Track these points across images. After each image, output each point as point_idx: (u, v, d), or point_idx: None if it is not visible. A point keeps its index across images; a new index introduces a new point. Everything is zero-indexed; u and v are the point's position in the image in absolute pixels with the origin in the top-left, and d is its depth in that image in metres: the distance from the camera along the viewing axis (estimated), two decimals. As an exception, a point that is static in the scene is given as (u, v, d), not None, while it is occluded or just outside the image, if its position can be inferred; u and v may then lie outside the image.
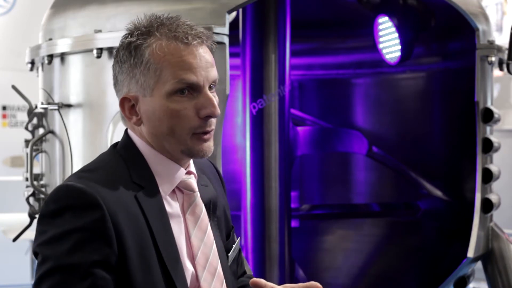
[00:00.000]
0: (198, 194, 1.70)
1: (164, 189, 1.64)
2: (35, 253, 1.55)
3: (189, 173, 1.69)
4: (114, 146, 1.71)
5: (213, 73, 1.63)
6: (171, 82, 1.57)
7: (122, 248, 1.52)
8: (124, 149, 1.67)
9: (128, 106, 1.64)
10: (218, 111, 1.61)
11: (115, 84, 1.67)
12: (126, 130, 1.71)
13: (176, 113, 1.58)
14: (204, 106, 1.59)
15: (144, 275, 1.54)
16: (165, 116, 1.59)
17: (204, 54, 1.61)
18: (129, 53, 1.61)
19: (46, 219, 1.54)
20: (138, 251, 1.55)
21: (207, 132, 1.62)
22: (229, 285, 1.73)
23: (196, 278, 1.65)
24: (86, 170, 1.64)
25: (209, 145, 1.63)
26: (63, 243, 1.49)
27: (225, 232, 1.82)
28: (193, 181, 1.69)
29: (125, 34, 1.64)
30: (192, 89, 1.59)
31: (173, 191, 1.66)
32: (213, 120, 1.63)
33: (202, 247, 1.67)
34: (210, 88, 1.62)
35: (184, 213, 1.67)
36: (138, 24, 1.64)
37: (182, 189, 1.68)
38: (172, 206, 1.66)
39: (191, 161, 1.71)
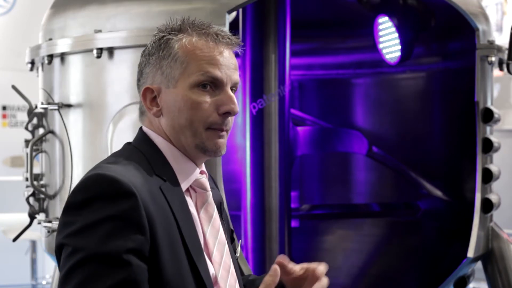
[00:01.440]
0: (210, 193, 1.73)
1: (182, 186, 1.67)
2: (60, 246, 1.51)
3: (201, 172, 1.72)
4: (128, 143, 1.73)
5: (236, 76, 1.67)
6: (196, 74, 1.61)
7: (153, 237, 1.52)
8: (142, 144, 1.68)
9: (150, 97, 1.67)
10: (237, 109, 1.65)
11: (139, 78, 1.70)
12: (140, 129, 1.72)
13: (196, 105, 1.62)
14: (225, 102, 1.63)
15: (173, 266, 1.55)
16: (185, 106, 1.62)
17: (230, 56, 1.66)
18: (158, 46, 1.65)
19: (74, 210, 1.52)
20: (167, 242, 1.55)
21: (222, 130, 1.65)
22: (240, 284, 1.75)
23: (214, 274, 1.66)
24: (109, 162, 1.62)
25: (223, 142, 1.67)
26: (96, 232, 1.46)
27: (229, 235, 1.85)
28: (206, 180, 1.72)
29: (156, 32, 1.69)
30: (215, 85, 1.63)
31: (187, 189, 1.68)
32: (230, 120, 1.66)
33: (217, 245, 1.69)
34: (231, 90, 1.67)
35: (198, 212, 1.69)
36: (170, 23, 1.69)
37: (195, 188, 1.70)
38: (189, 203, 1.68)
39: (203, 163, 1.74)
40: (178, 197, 1.63)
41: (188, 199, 1.68)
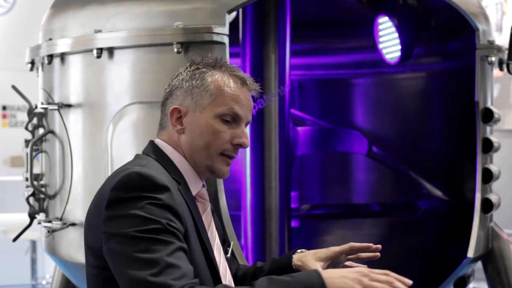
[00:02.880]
0: (209, 204, 1.99)
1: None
2: (108, 238, 1.69)
3: (203, 186, 1.98)
4: (139, 155, 1.96)
5: (250, 117, 1.96)
6: (222, 108, 1.89)
7: (185, 226, 1.74)
8: (155, 154, 1.92)
9: (176, 116, 1.92)
10: (248, 144, 1.94)
11: (167, 97, 1.95)
12: (152, 142, 1.96)
13: (217, 133, 1.88)
14: (240, 136, 1.91)
15: (196, 252, 1.78)
16: (207, 131, 1.88)
17: (250, 99, 1.95)
18: (193, 75, 1.92)
19: (117, 204, 1.70)
20: (191, 232, 1.78)
21: (232, 157, 1.92)
22: (231, 281, 1.99)
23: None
24: (136, 165, 1.82)
25: (228, 169, 1.94)
26: (141, 215, 1.66)
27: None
28: (206, 191, 1.98)
29: (191, 63, 1.97)
30: (233, 120, 1.90)
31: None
32: (239, 151, 1.93)
33: (216, 247, 1.94)
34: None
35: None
36: (205, 58, 1.97)
37: (197, 198, 1.94)
38: None
39: None
40: (191, 198, 1.88)
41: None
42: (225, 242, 2.10)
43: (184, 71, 1.95)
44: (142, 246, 1.63)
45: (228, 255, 2.06)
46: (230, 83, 1.91)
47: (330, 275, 1.66)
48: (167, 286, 1.58)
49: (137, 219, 1.66)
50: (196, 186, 1.92)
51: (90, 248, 1.81)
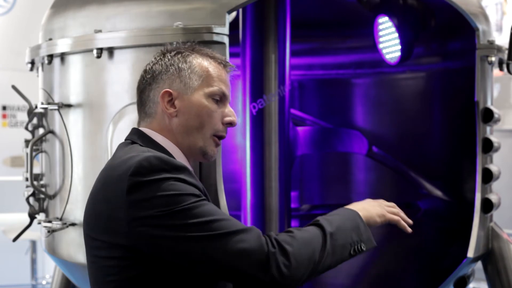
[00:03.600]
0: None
1: None
2: (130, 221, 1.71)
3: None
4: (125, 143, 1.96)
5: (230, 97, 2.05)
6: (213, 88, 1.96)
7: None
8: (143, 142, 1.93)
9: (167, 100, 1.94)
10: (237, 122, 2.00)
11: (152, 82, 1.97)
12: (136, 129, 1.98)
13: (210, 113, 1.95)
14: (229, 114, 1.99)
15: None
16: (201, 111, 1.94)
17: (229, 79, 2.04)
18: (177, 58, 1.97)
19: (140, 187, 1.72)
20: None
21: (222, 137, 1.99)
22: None
23: None
24: (144, 152, 1.84)
25: (218, 149, 2.01)
26: (168, 194, 1.72)
27: None
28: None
29: (166, 49, 2.02)
30: (221, 100, 1.98)
31: None
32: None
33: None
34: None
35: None
36: (178, 44, 2.08)
37: None
38: None
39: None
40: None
41: None
42: None
43: (164, 56, 2.00)
44: (198, 218, 1.71)
45: None
46: (213, 65, 1.99)
47: (358, 207, 2.20)
48: (259, 246, 1.70)
49: (173, 197, 1.71)
50: None
51: (103, 241, 1.80)
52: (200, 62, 1.97)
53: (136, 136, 1.95)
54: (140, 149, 1.87)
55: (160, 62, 1.99)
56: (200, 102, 1.93)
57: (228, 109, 2.00)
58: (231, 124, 1.99)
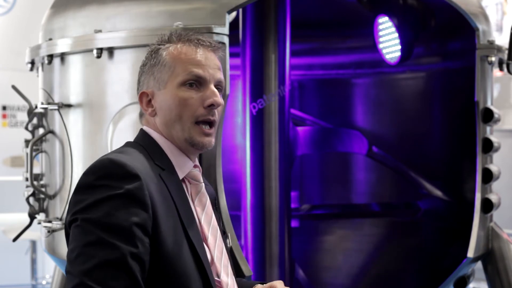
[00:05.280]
0: (203, 185, 1.94)
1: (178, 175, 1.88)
2: (70, 222, 1.69)
3: (195, 166, 1.93)
4: (129, 142, 1.93)
5: (219, 75, 1.89)
6: (182, 75, 1.85)
7: (155, 215, 1.71)
8: (142, 140, 1.91)
9: (146, 100, 1.90)
10: (220, 101, 1.86)
11: (138, 88, 1.94)
12: (141, 129, 1.94)
13: (184, 101, 1.84)
14: (209, 96, 1.85)
15: (173, 242, 1.74)
16: (173, 103, 1.85)
17: (212, 57, 1.90)
18: (149, 56, 1.92)
19: (84, 189, 1.70)
20: (168, 222, 1.75)
21: (209, 122, 1.86)
22: (231, 265, 1.97)
23: (210, 256, 1.86)
24: (115, 152, 1.83)
25: (210, 140, 1.88)
26: (104, 206, 1.65)
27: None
28: (199, 173, 1.93)
29: (150, 47, 1.95)
30: (199, 83, 1.85)
31: (183, 180, 1.89)
32: (216, 112, 1.87)
33: (211, 230, 1.90)
34: (217, 90, 1.88)
35: (193, 201, 1.90)
36: (162, 36, 1.95)
37: (189, 180, 1.91)
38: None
39: (196, 158, 1.95)
40: (176, 183, 1.84)
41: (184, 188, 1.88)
42: (224, 232, 2.06)
43: (146, 55, 1.95)
44: (93, 240, 1.62)
45: (229, 244, 2.03)
46: (184, 49, 1.87)
47: None
48: None
49: (98, 212, 1.64)
50: (184, 169, 1.89)
51: None
52: (170, 52, 1.87)
53: (138, 134, 1.95)
54: (120, 149, 1.86)
55: (141, 65, 1.96)
56: (171, 94, 1.85)
57: (210, 90, 1.85)
58: (213, 105, 1.85)
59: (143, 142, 1.89)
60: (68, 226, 1.71)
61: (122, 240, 1.63)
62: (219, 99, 1.86)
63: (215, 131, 1.90)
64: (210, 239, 1.88)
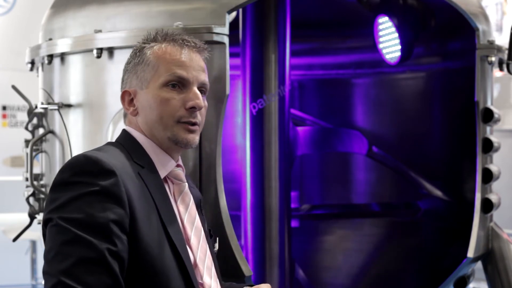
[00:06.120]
0: (186, 184, 1.92)
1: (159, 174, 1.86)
2: (46, 220, 1.66)
3: (178, 166, 1.91)
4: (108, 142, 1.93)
5: (203, 77, 1.87)
6: (165, 75, 1.83)
7: (133, 212, 1.69)
8: (123, 139, 1.89)
9: (128, 99, 1.89)
10: (202, 104, 1.84)
11: (121, 86, 1.92)
12: (123, 130, 1.92)
13: (165, 101, 1.82)
14: (191, 98, 1.83)
15: (152, 239, 1.71)
16: (155, 103, 1.83)
17: (197, 59, 1.88)
18: (134, 54, 1.90)
19: (60, 187, 1.67)
20: (147, 220, 1.72)
21: (192, 123, 1.84)
22: (217, 269, 1.94)
23: (193, 257, 1.83)
24: (93, 150, 1.80)
25: (194, 137, 1.86)
26: (80, 204, 1.63)
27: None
28: (181, 172, 1.91)
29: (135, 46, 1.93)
30: (182, 85, 1.83)
31: (165, 180, 1.87)
32: (199, 114, 1.85)
33: (194, 230, 1.87)
34: (201, 92, 1.86)
35: (175, 200, 1.88)
36: (147, 35, 1.93)
37: (172, 180, 1.89)
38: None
39: (180, 157, 1.94)
40: (156, 181, 1.82)
41: (166, 188, 1.86)
42: (211, 236, 2.04)
43: (130, 54, 1.92)
44: (70, 238, 1.59)
45: (216, 248, 2.02)
46: (168, 49, 1.85)
47: None
48: None
49: (74, 210, 1.62)
50: (166, 168, 1.86)
51: None
52: (155, 51, 1.85)
53: (121, 134, 1.92)
54: (98, 147, 1.85)
55: (125, 63, 1.94)
56: (153, 93, 1.82)
57: (193, 92, 1.83)
58: (194, 108, 1.83)
59: (124, 141, 1.87)
60: (44, 226, 1.68)
61: (99, 237, 1.60)
62: (201, 101, 1.83)
63: (200, 130, 1.88)
64: (193, 240, 1.85)
